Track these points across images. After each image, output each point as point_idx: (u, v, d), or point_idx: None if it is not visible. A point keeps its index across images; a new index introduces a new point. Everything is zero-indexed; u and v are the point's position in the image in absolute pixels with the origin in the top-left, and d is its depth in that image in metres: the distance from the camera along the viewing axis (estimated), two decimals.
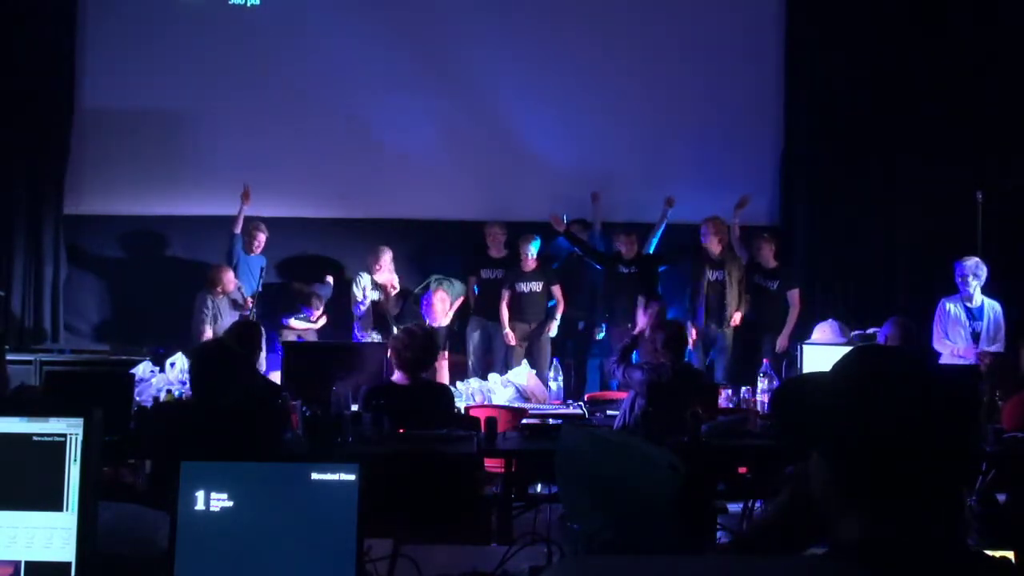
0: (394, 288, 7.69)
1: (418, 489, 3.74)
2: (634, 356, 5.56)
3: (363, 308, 7.74)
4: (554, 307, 7.75)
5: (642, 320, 5.36)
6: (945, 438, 1.22)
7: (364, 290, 7.71)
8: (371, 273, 7.68)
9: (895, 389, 1.23)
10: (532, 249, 7.59)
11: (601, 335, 7.83)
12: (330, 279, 8.01)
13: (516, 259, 7.75)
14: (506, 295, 7.66)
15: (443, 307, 7.54)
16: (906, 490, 1.21)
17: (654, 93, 8.29)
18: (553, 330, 7.70)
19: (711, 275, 7.54)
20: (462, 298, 7.84)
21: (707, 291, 7.53)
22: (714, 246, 7.51)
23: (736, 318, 7.51)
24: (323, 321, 7.84)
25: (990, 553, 1.36)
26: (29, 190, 8.05)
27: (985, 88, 7.85)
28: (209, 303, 7.51)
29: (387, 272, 7.66)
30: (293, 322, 7.76)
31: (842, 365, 1.30)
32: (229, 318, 7.47)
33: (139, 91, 8.08)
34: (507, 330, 7.63)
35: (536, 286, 7.68)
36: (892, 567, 1.18)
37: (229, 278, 7.56)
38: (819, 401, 1.28)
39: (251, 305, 7.55)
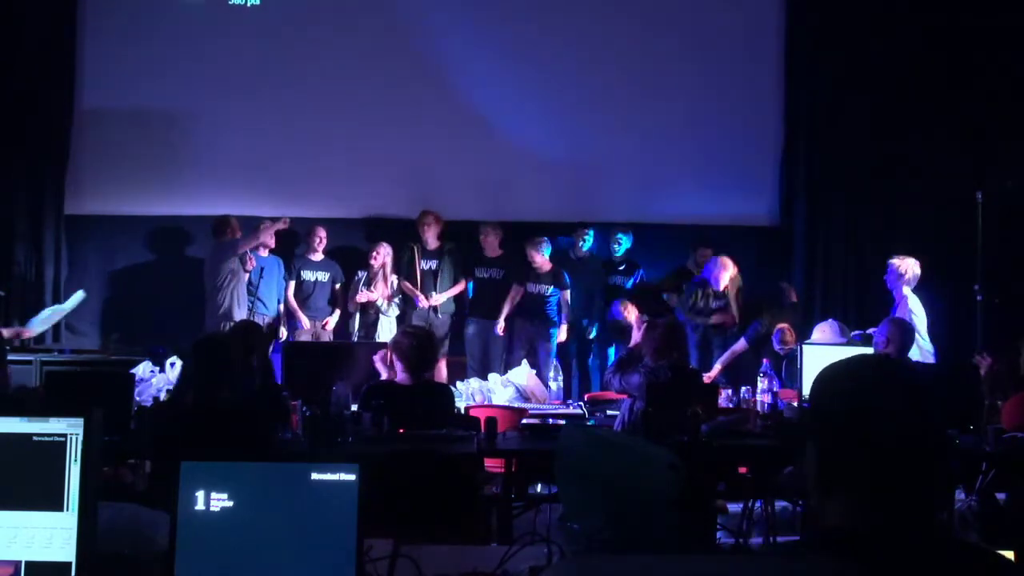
0: (388, 281, 7.69)
1: (418, 489, 3.73)
2: None
3: (356, 303, 7.74)
4: (563, 313, 7.73)
5: (636, 336, 5.32)
6: (911, 434, 1.32)
7: (359, 284, 7.73)
8: (368, 269, 7.72)
9: (861, 386, 1.36)
10: (543, 253, 7.62)
11: (593, 333, 7.81)
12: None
13: (515, 259, 7.76)
14: (519, 292, 7.66)
15: (435, 229, 7.64)
16: (878, 482, 1.32)
17: (654, 93, 8.29)
18: (563, 334, 7.68)
19: (713, 303, 7.49)
20: (463, 283, 7.82)
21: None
22: (722, 282, 7.37)
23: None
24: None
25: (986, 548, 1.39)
26: (29, 190, 8.04)
27: (985, 88, 7.85)
28: (230, 260, 7.37)
29: (383, 266, 7.69)
30: (303, 319, 7.74)
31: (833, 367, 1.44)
32: (242, 280, 7.46)
33: (139, 91, 8.07)
34: (501, 323, 7.63)
35: (545, 289, 7.69)
36: (866, 556, 1.26)
37: (236, 224, 7.53)
38: (810, 397, 1.43)
39: (252, 266, 7.54)
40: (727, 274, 7.32)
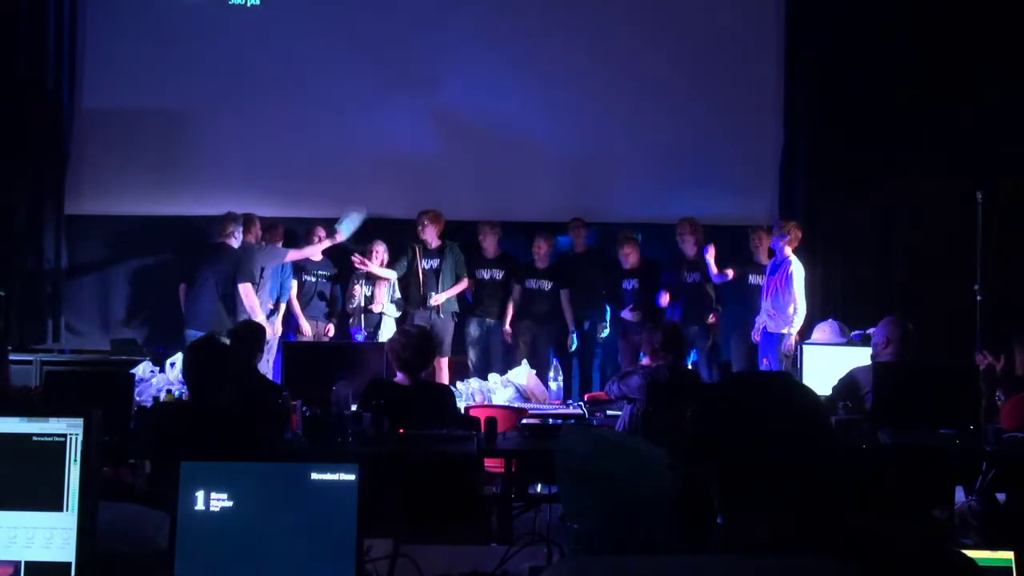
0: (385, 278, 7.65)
1: (418, 489, 3.73)
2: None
3: (353, 304, 7.71)
4: (568, 314, 7.65)
5: (646, 360, 5.29)
6: (792, 446, 1.39)
7: (359, 285, 7.70)
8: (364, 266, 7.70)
9: (745, 403, 1.47)
10: (548, 247, 7.63)
11: (605, 333, 7.73)
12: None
13: (514, 258, 7.76)
14: (518, 291, 7.65)
15: (434, 228, 7.54)
16: (772, 495, 1.37)
17: (654, 92, 8.28)
18: (572, 342, 7.62)
19: (687, 277, 7.52)
20: (465, 281, 7.77)
21: (685, 293, 7.50)
22: (689, 247, 7.49)
23: (711, 318, 7.49)
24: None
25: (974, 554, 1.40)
26: (29, 190, 8.04)
27: (985, 88, 7.85)
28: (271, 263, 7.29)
29: (379, 265, 7.67)
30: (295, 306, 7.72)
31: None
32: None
33: (139, 91, 8.08)
34: (507, 327, 7.62)
35: (546, 285, 7.67)
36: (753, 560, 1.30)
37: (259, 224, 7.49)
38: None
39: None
40: (691, 239, 7.47)
